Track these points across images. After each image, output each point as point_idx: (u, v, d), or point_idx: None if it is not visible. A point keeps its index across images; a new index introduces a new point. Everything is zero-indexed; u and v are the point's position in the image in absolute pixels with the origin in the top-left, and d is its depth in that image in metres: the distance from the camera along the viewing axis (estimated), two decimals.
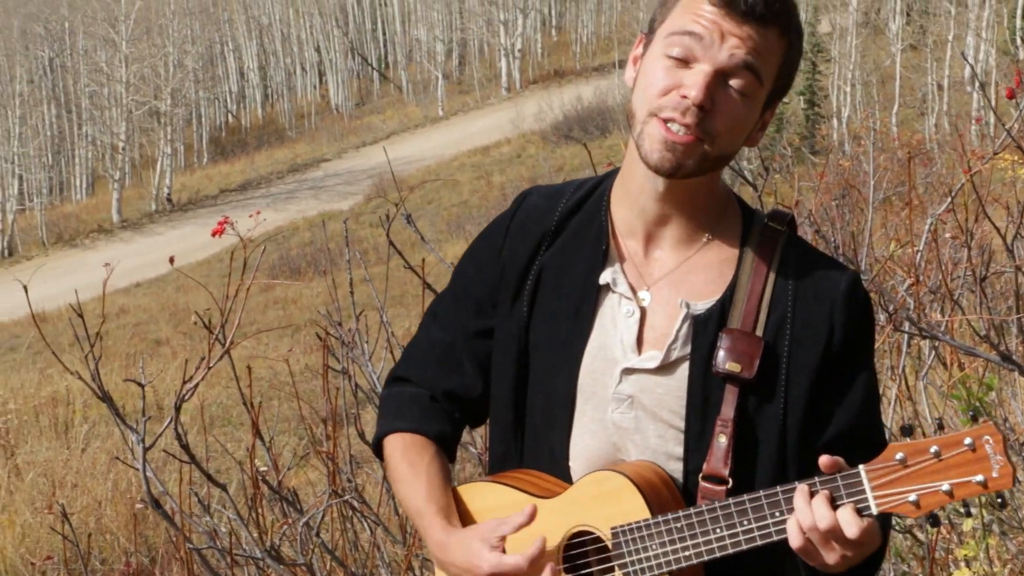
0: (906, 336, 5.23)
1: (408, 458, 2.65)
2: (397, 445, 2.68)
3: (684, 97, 2.36)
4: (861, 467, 2.27)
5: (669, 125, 2.38)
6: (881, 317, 4.99)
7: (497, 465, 2.69)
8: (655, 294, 2.52)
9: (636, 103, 2.45)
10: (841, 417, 2.49)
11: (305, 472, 9.75)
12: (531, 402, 2.60)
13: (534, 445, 2.61)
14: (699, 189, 2.50)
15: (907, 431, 2.29)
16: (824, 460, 2.28)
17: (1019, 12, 43.22)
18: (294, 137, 66.85)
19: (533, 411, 2.60)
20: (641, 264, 2.54)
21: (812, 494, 2.28)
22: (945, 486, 2.23)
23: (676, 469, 2.49)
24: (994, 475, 2.20)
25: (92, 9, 59.14)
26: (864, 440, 2.47)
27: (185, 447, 4.06)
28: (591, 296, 2.54)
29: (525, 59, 65.52)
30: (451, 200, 41.07)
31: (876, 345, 5.02)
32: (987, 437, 2.21)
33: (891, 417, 5.01)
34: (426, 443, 2.66)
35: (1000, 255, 6.04)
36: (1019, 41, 42.80)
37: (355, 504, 4.65)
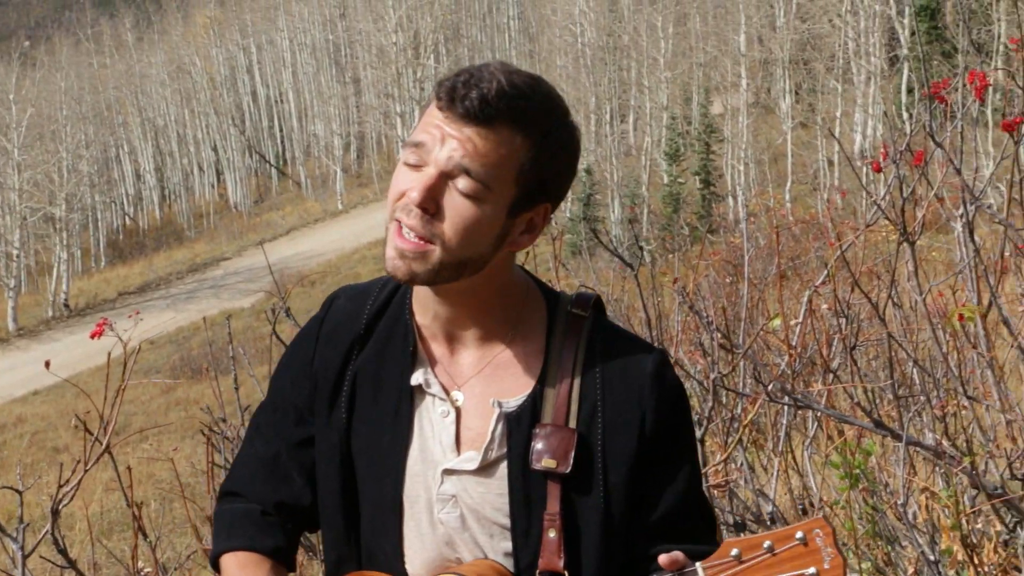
0: (786, 408, 5.31)
1: None
2: (232, 564, 2.63)
3: (410, 196, 2.33)
4: (698, 564, 2.30)
5: (402, 230, 2.35)
6: (759, 389, 5.06)
7: (333, 571, 2.66)
8: (467, 393, 2.50)
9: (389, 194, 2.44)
10: (666, 499, 2.48)
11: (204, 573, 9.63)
12: (361, 508, 2.57)
13: (368, 549, 2.59)
14: (479, 289, 2.47)
15: (740, 527, 2.35)
16: (663, 559, 2.32)
17: (903, 87, 44.15)
18: (193, 237, 66.57)
19: (363, 517, 2.58)
20: (449, 365, 2.52)
21: None
22: None
23: (509, 564, 2.49)
24: (825, 567, 2.25)
25: None
26: (690, 517, 2.49)
27: (63, 552, 4.02)
28: (406, 399, 2.52)
29: None
30: None
31: (750, 416, 5.10)
32: (817, 530, 2.27)
33: (775, 489, 5.07)
34: (261, 560, 2.62)
35: (871, 324, 6.15)
36: (905, 115, 43.69)
37: None
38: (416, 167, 2.34)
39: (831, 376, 5.28)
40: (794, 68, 46.71)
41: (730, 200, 43.93)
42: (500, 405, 2.47)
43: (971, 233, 4.98)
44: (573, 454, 2.42)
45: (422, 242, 2.34)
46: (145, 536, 4.47)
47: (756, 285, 12.46)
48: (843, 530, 4.68)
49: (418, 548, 2.54)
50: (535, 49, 70.27)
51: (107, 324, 4.56)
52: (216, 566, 2.69)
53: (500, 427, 2.46)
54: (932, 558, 4.63)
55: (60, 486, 3.82)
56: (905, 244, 4.92)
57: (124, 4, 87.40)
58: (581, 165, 47.12)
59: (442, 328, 2.52)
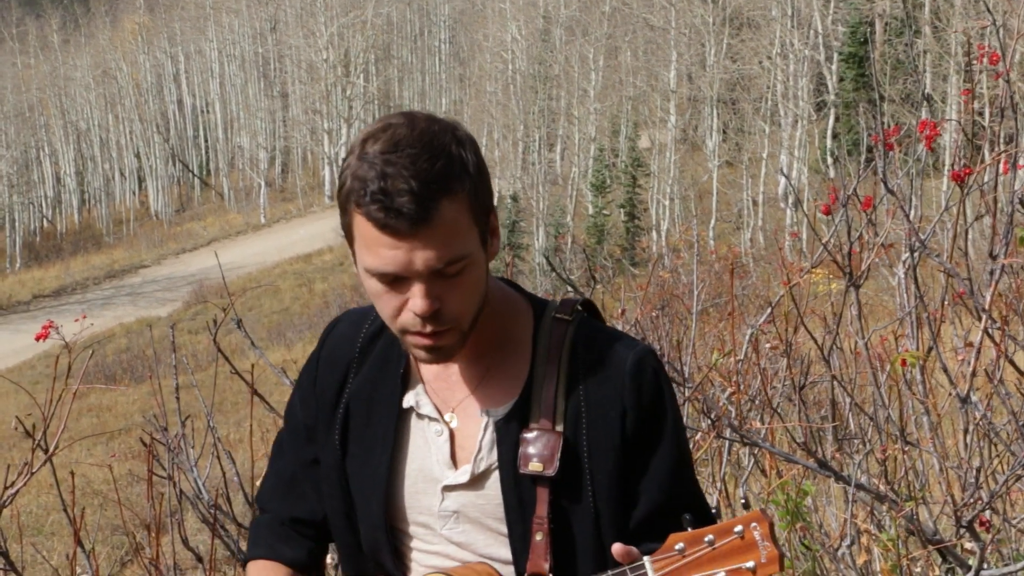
0: (727, 444, 5.34)
1: None
2: (252, 572, 2.75)
3: (415, 314, 2.35)
4: (646, 558, 2.33)
5: (419, 337, 2.39)
6: (704, 424, 5.09)
7: None
8: (460, 413, 2.54)
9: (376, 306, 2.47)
10: (651, 494, 2.52)
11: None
12: (360, 527, 2.63)
13: (375, 567, 2.64)
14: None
15: (687, 522, 2.38)
16: (616, 549, 2.34)
17: (829, 132, 44.66)
18: (112, 243, 65.99)
19: (363, 537, 2.63)
20: (443, 388, 2.57)
21: None
22: (721, 573, 2.30)
23: (509, 573, 2.52)
24: (762, 560, 2.29)
25: None
26: (677, 511, 2.47)
27: (4, 554, 3.97)
28: (395, 420, 2.56)
29: None
30: (272, 307, 40.81)
31: (700, 452, 5.13)
32: (755, 524, 2.30)
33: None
34: (279, 568, 2.73)
35: (816, 365, 6.20)
36: (829, 160, 44.22)
37: None
38: (396, 285, 2.37)
39: (772, 414, 5.32)
40: (722, 107, 47.10)
41: (654, 234, 44.16)
42: (489, 414, 2.51)
43: (916, 280, 5.04)
44: (559, 456, 2.45)
45: (444, 332, 2.39)
46: (83, 547, 4.42)
47: (681, 321, 12.55)
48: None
49: (425, 567, 2.59)
50: (465, 73, 70.38)
51: (53, 326, 4.50)
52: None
53: (488, 435, 2.50)
54: None
55: (6, 488, 3.77)
56: (851, 288, 4.97)
57: (51, 5, 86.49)
58: (507, 191, 47.22)
59: None
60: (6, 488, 3.82)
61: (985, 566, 4.22)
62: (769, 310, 5.58)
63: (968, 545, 4.61)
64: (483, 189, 2.41)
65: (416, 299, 2.34)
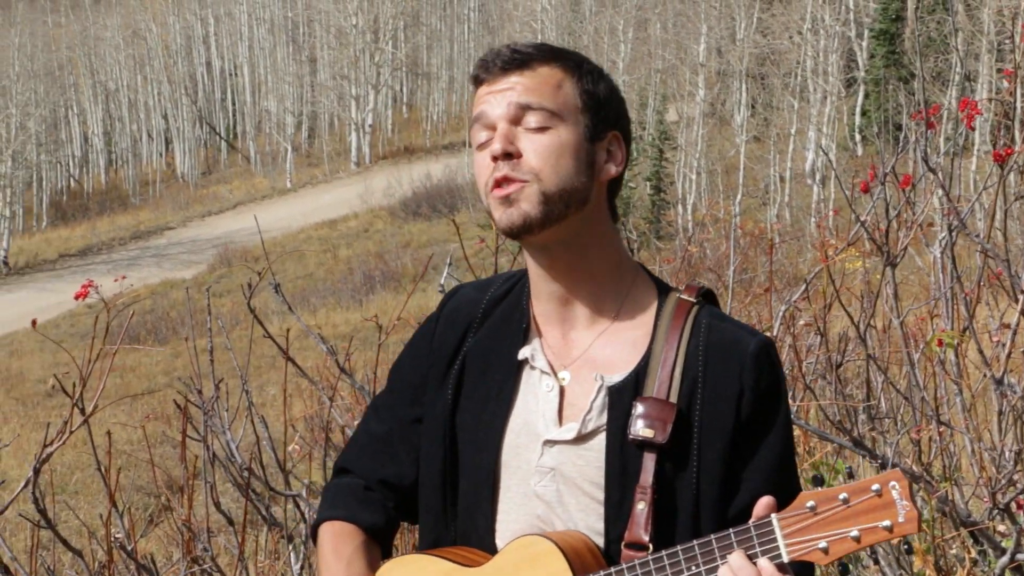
0: None
1: (334, 546, 2.71)
2: (327, 533, 2.74)
3: (494, 159, 2.49)
4: (773, 516, 2.33)
5: (499, 184, 2.49)
6: None
7: None
8: (574, 373, 2.58)
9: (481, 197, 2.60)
10: (753, 481, 2.52)
11: (146, 541, 9.59)
12: (460, 485, 2.64)
13: (462, 529, 2.65)
14: (586, 255, 2.56)
15: (819, 481, 2.35)
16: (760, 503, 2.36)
17: (858, 109, 44.47)
18: (138, 204, 66.03)
19: (460, 494, 2.64)
20: (560, 346, 2.60)
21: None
22: (854, 532, 2.28)
23: (599, 542, 2.53)
24: (900, 520, 2.26)
25: None
26: (780, 502, 2.48)
27: (43, 512, 3.99)
28: (512, 373, 2.61)
29: (375, 134, 65.60)
30: (296, 272, 40.76)
31: None
32: (894, 483, 2.27)
33: None
34: (355, 532, 2.73)
35: (850, 343, 6.18)
36: (858, 137, 44.05)
37: (212, 572, 4.60)
38: (487, 142, 2.52)
39: (805, 391, 5.31)
40: (751, 81, 46.89)
41: (680, 208, 44.04)
42: (603, 379, 2.55)
43: (953, 259, 5.02)
44: (671, 426, 2.46)
45: (519, 183, 2.48)
46: (116, 506, 4.45)
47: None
48: None
49: (511, 522, 2.59)
50: (494, 42, 70.13)
51: (92, 285, 4.53)
52: (315, 536, 2.80)
53: (600, 398, 2.54)
54: None
55: (45, 446, 3.79)
56: (887, 267, 4.95)
57: None
58: None
59: (554, 310, 2.61)
60: (45, 447, 3.83)
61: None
62: (804, 286, 5.57)
63: (1001, 527, 4.60)
64: (605, 100, 2.57)
65: (494, 143, 2.49)
